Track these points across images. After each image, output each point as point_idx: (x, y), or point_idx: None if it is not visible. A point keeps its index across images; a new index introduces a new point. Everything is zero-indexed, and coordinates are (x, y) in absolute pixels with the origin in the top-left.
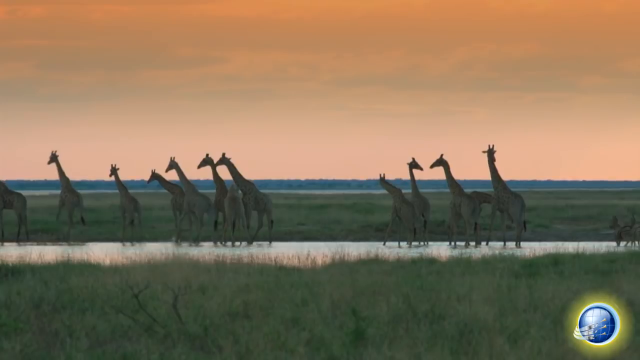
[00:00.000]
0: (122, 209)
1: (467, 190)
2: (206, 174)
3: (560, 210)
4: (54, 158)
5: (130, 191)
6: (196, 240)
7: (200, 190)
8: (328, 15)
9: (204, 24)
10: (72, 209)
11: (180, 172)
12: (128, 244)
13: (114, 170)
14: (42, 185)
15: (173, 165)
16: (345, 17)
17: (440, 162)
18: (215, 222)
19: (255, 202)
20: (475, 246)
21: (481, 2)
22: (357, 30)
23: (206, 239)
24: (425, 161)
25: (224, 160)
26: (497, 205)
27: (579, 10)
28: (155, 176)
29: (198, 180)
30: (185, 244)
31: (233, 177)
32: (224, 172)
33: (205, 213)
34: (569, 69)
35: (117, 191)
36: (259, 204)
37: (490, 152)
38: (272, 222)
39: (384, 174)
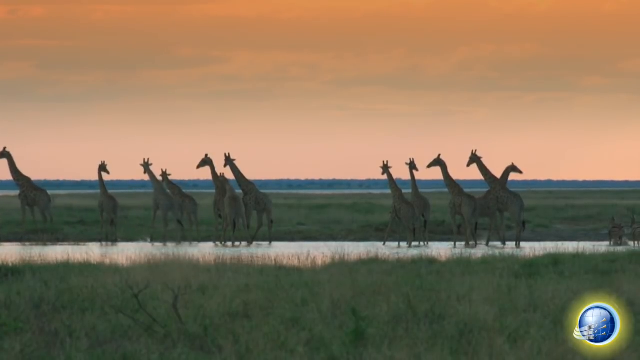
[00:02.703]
0: (100, 207)
1: (468, 190)
2: (206, 174)
3: (560, 210)
4: (4, 154)
5: (131, 191)
6: (164, 239)
7: (199, 191)
8: (328, 15)
9: (205, 24)
10: (45, 206)
11: (150, 172)
12: (108, 243)
13: (102, 168)
14: (42, 185)
15: (145, 167)
16: (346, 17)
17: (438, 162)
18: (179, 222)
19: (256, 202)
20: (475, 246)
21: (481, 2)
22: (357, 30)
23: (206, 239)
24: (425, 161)
25: (228, 161)
26: (496, 205)
27: (579, 10)
28: (162, 176)
29: (198, 180)
30: (181, 244)
31: (235, 177)
32: (224, 172)
33: (169, 211)
34: (569, 69)
35: (117, 191)
36: (259, 204)
37: (472, 159)
38: (271, 222)
39: (387, 161)
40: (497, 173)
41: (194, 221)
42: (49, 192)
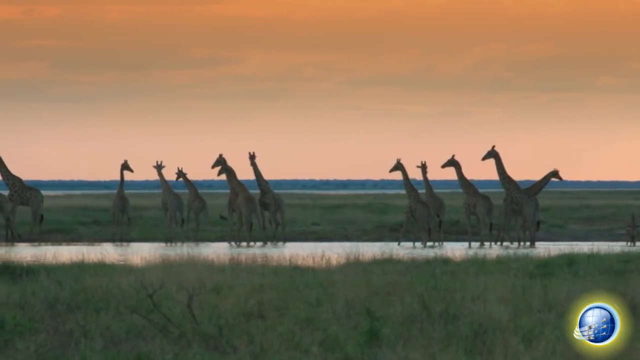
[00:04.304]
0: (113, 207)
1: (483, 191)
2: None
3: (574, 211)
4: None
5: (145, 191)
6: (170, 240)
7: (213, 191)
8: (343, 15)
9: (218, 24)
10: (38, 206)
11: (160, 174)
12: (121, 243)
13: (125, 166)
14: (56, 185)
15: (157, 169)
16: (360, 18)
17: (452, 162)
18: (182, 221)
19: (274, 202)
20: (495, 245)
21: (495, 2)
22: (371, 31)
23: (220, 239)
24: (439, 161)
25: (252, 160)
26: (510, 206)
27: (593, 10)
28: (180, 174)
29: (213, 181)
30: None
31: (256, 176)
32: (238, 172)
33: (177, 212)
34: (583, 69)
35: (131, 192)
36: (275, 204)
37: (491, 154)
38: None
39: (399, 159)
40: (511, 174)
41: (202, 221)
42: (62, 192)
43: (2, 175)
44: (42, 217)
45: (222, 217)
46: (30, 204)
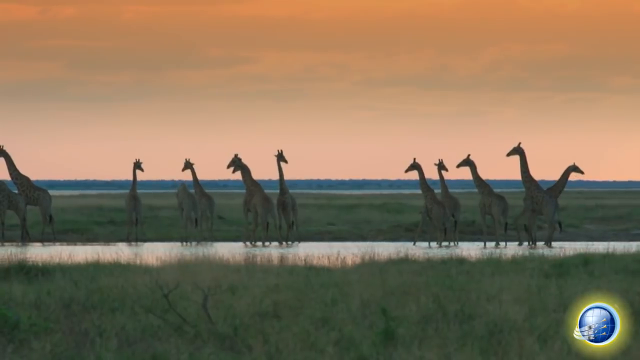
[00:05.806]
0: (126, 207)
1: (498, 190)
2: (236, 174)
3: (590, 210)
4: (1, 152)
5: (160, 191)
6: (186, 240)
7: (229, 191)
8: (358, 15)
9: (234, 24)
10: (47, 206)
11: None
12: (133, 243)
13: (137, 165)
14: (71, 185)
15: (180, 189)
16: (376, 18)
17: (467, 162)
18: (196, 220)
19: (291, 201)
20: (520, 245)
21: (511, 2)
22: (387, 31)
23: (236, 239)
24: (454, 161)
25: (280, 158)
26: (531, 206)
27: (609, 10)
28: (188, 166)
29: (228, 181)
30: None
31: (280, 175)
32: (254, 172)
33: (192, 211)
34: (599, 69)
35: (145, 191)
36: (291, 203)
37: (516, 150)
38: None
39: (415, 159)
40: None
41: (209, 219)
42: (78, 192)
43: (10, 175)
44: (51, 217)
45: (219, 217)
46: (38, 204)
